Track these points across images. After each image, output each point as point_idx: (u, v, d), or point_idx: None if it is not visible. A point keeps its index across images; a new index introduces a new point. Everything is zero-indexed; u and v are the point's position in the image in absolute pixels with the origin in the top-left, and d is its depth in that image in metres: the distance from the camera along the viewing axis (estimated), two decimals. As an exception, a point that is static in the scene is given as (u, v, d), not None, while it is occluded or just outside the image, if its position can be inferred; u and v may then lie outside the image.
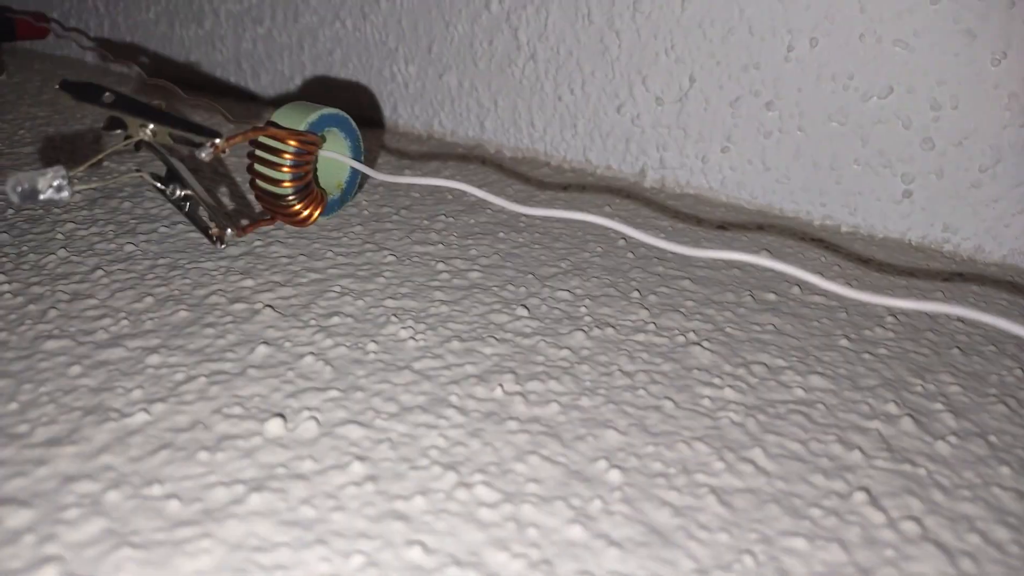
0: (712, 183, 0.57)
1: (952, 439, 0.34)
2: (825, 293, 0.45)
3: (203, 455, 0.30)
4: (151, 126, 0.35)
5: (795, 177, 0.53)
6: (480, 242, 0.49)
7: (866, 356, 0.40)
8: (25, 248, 0.44)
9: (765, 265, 0.33)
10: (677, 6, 0.52)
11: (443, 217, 0.52)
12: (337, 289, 0.42)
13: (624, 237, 0.50)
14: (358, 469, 0.30)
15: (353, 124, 0.43)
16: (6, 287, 0.40)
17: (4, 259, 0.43)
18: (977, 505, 0.30)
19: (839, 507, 0.30)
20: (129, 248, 0.45)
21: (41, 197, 0.31)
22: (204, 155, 0.34)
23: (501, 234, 0.50)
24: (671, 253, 0.45)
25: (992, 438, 0.34)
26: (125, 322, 0.38)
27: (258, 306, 0.40)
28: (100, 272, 0.42)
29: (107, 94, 0.35)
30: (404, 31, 0.63)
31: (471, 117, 0.64)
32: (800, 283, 0.45)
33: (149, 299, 0.40)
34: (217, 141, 0.34)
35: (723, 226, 0.53)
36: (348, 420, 0.32)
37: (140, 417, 0.31)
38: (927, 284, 0.47)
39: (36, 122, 0.65)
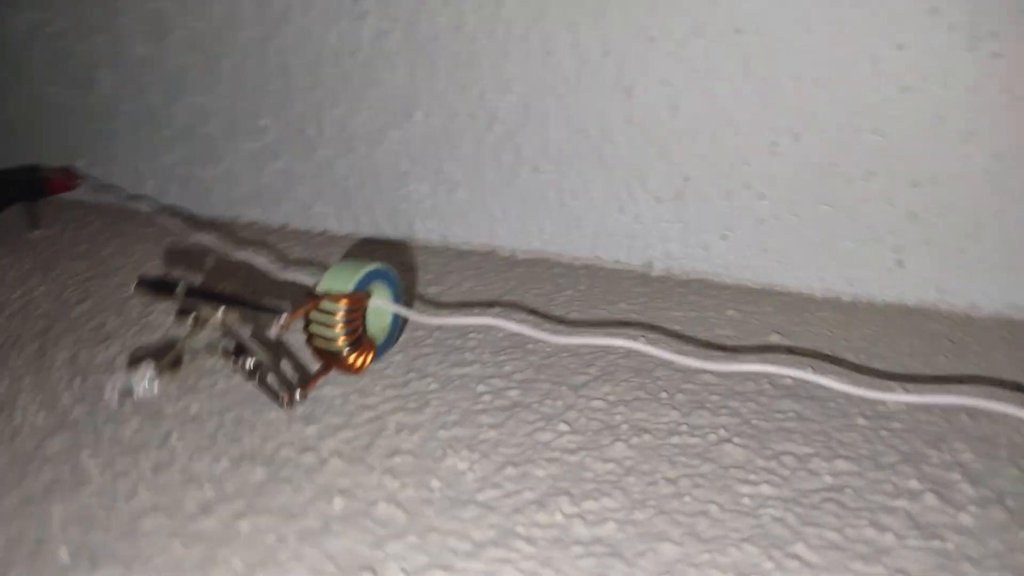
0: (716, 268, 0.61)
1: (973, 508, 0.37)
2: (838, 374, 0.48)
3: (309, 616, 0.33)
4: (222, 309, 0.40)
5: (793, 256, 0.57)
6: (512, 356, 0.53)
7: (883, 432, 0.43)
8: (100, 419, 0.48)
9: (783, 374, 0.37)
10: (666, 115, 0.57)
11: (473, 334, 0.56)
12: (392, 425, 0.46)
13: (651, 355, 0.53)
14: (448, 612, 0.33)
15: (393, 273, 0.47)
16: (92, 463, 0.44)
17: (84, 433, 0.47)
18: (1005, 573, 0.34)
19: (881, 594, 0.33)
20: (195, 408, 0.48)
21: (135, 396, 0.35)
22: (273, 333, 0.38)
23: (530, 345, 0.54)
24: (700, 368, 0.48)
25: (1009, 502, 0.38)
26: (208, 487, 0.41)
27: (325, 454, 0.44)
28: (175, 436, 0.46)
29: (181, 285, 0.39)
30: (415, 155, 0.68)
31: (483, 226, 0.69)
32: (814, 366, 0.49)
33: (225, 461, 0.43)
34: (282, 318, 0.38)
35: (733, 312, 0.57)
36: (431, 564, 0.36)
37: (245, 585, 0.35)
38: (929, 348, 0.51)
39: (79, 278, 0.70)
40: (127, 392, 0.35)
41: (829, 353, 0.51)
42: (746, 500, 0.39)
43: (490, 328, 0.51)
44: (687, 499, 0.39)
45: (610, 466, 0.42)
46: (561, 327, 0.55)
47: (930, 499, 0.38)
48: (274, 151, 0.75)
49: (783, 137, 0.54)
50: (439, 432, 0.45)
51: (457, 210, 0.69)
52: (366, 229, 0.75)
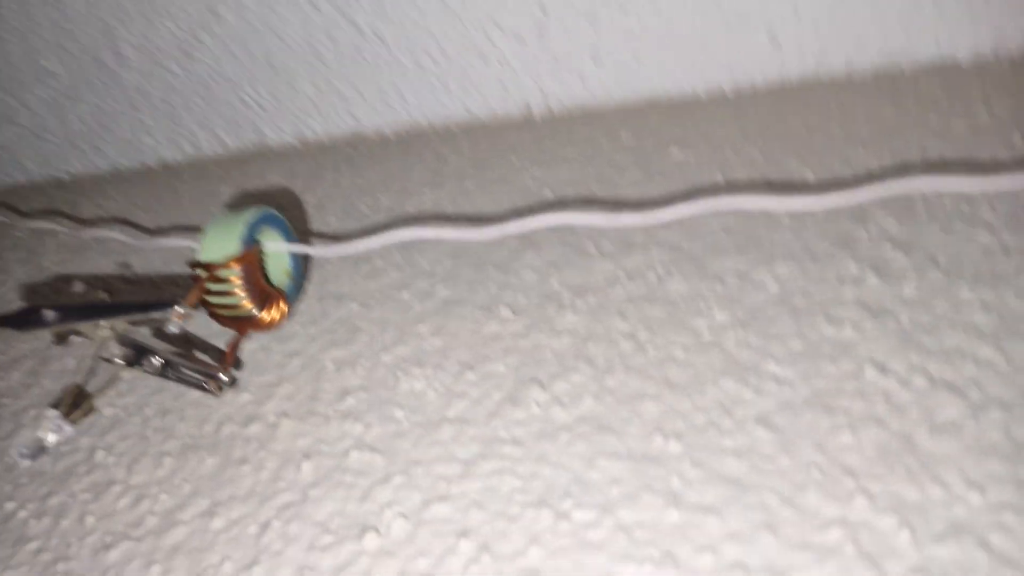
0: (596, 94, 0.58)
1: (912, 276, 0.39)
2: (756, 188, 0.48)
3: (329, 598, 0.32)
4: (106, 323, 0.34)
5: (669, 61, 0.55)
6: (423, 250, 0.49)
7: (808, 222, 0.44)
8: (7, 459, 0.43)
9: (719, 209, 0.36)
10: (503, -56, 0.52)
11: (375, 237, 0.52)
12: (330, 364, 0.43)
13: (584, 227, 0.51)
14: (465, 546, 0.32)
15: (276, 212, 0.42)
16: (22, 512, 0.39)
17: (-5, 479, 0.42)
18: (957, 332, 0.35)
19: (860, 387, 0.34)
20: (109, 412, 0.44)
21: (49, 446, 0.31)
22: (173, 328, 0.33)
23: (437, 232, 0.51)
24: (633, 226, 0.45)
25: (941, 260, 0.39)
26: (164, 496, 0.38)
27: (272, 419, 0.40)
28: (100, 451, 0.41)
29: (48, 312, 0.33)
30: (237, 56, 0.60)
31: (340, 113, 0.63)
32: (723, 170, 0.48)
33: (168, 460, 0.40)
34: (179, 310, 0.34)
35: (626, 136, 0.55)
36: (428, 500, 0.34)
37: (248, 589, 0.33)
38: (822, 119, 0.51)
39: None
40: (39, 449, 0.31)
41: (733, 154, 0.50)
42: (706, 333, 0.39)
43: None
44: (650, 350, 0.39)
45: (566, 339, 0.41)
46: (476, 222, 0.52)
47: (871, 279, 0.39)
48: (73, 92, 0.64)
49: (634, -62, 0.50)
50: (382, 356, 0.43)
51: (305, 103, 0.63)
52: (209, 148, 0.67)
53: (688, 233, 0.45)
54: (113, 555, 0.36)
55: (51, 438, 0.31)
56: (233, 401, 0.42)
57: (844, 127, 0.50)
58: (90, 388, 0.41)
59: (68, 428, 0.32)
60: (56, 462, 0.41)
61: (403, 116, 0.62)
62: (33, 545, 0.37)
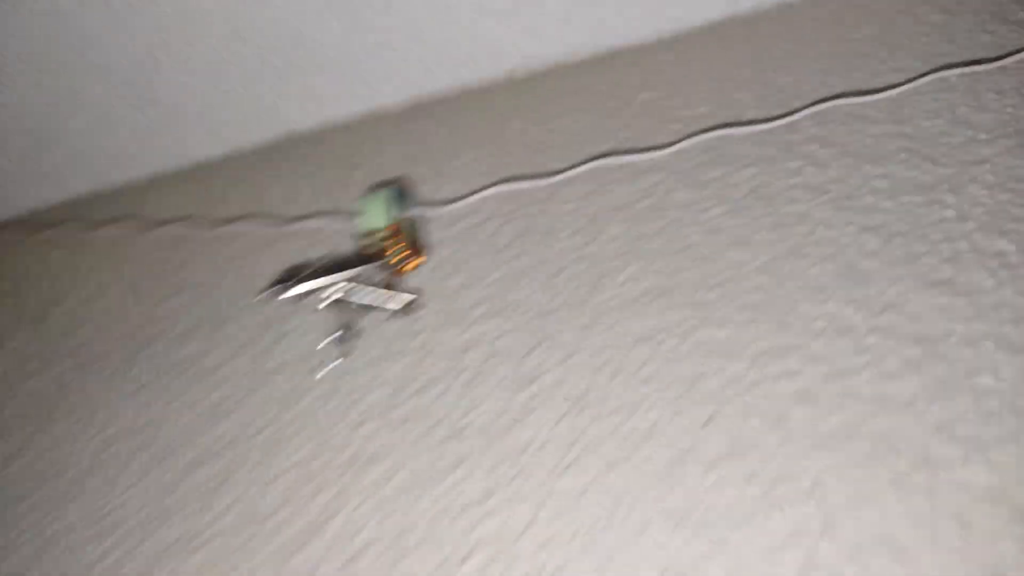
0: (567, 51, 0.75)
1: (832, 163, 0.59)
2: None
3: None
4: (333, 281, 0.52)
5: (625, 16, 0.73)
6: (502, 206, 0.67)
7: (758, 137, 0.63)
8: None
9: (703, 140, 0.54)
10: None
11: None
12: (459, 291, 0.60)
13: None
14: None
15: (399, 187, 0.59)
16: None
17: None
18: (870, 195, 0.56)
19: (817, 239, 0.54)
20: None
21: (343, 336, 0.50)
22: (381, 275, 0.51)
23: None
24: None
25: (849, 148, 0.59)
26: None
27: (427, 333, 0.58)
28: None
29: (293, 282, 0.51)
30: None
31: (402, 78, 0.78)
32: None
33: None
34: (385, 260, 0.52)
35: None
36: (568, 355, 0.53)
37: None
38: (749, 57, 0.70)
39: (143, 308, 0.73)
40: (345, 336, 0.49)
41: (692, 93, 0.69)
42: (709, 223, 0.58)
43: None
44: (673, 240, 0.58)
45: (618, 243, 0.59)
46: (542, 174, 0.69)
47: (809, 168, 0.59)
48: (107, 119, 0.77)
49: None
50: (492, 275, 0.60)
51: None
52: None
53: (681, 159, 0.64)
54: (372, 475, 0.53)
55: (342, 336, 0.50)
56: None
57: (768, 60, 0.69)
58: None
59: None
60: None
61: (418, 89, 0.78)
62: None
